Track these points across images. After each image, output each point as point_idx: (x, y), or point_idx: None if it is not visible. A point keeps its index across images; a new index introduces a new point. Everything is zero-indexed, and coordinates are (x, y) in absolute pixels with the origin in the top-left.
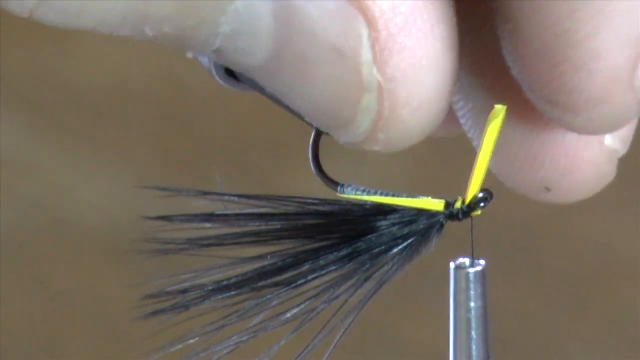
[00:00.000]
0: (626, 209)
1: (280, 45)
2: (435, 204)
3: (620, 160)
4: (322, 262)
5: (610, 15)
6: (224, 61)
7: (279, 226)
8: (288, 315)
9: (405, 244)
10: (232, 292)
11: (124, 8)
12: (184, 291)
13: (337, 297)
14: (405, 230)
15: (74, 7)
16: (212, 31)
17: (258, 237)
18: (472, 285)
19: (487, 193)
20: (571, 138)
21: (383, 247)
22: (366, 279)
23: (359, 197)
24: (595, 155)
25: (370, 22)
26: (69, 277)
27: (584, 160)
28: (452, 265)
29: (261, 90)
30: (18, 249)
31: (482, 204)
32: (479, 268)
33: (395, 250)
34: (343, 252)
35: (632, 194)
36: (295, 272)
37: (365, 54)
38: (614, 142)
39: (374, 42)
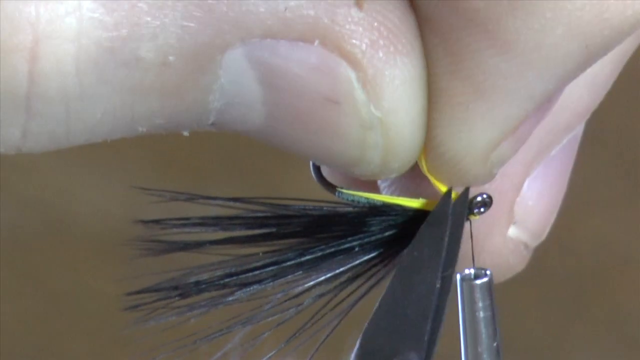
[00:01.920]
0: (626, 209)
1: (273, 107)
2: (433, 205)
3: (617, 161)
4: (317, 262)
5: (486, 95)
6: (223, 131)
7: (273, 229)
8: (282, 315)
9: (401, 244)
10: (226, 290)
11: (108, 119)
12: (180, 292)
13: (334, 296)
14: (402, 230)
15: (60, 132)
16: (204, 110)
17: (251, 240)
18: (479, 297)
19: (487, 197)
20: (473, 228)
21: (380, 247)
22: (365, 280)
23: (358, 193)
24: (498, 247)
25: (355, 64)
26: (68, 277)
27: (484, 250)
28: (457, 276)
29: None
30: (18, 249)
31: (482, 209)
32: (485, 279)
33: (392, 250)
34: (339, 253)
35: (632, 193)
36: (290, 274)
37: (359, 95)
38: (520, 233)
39: (364, 82)
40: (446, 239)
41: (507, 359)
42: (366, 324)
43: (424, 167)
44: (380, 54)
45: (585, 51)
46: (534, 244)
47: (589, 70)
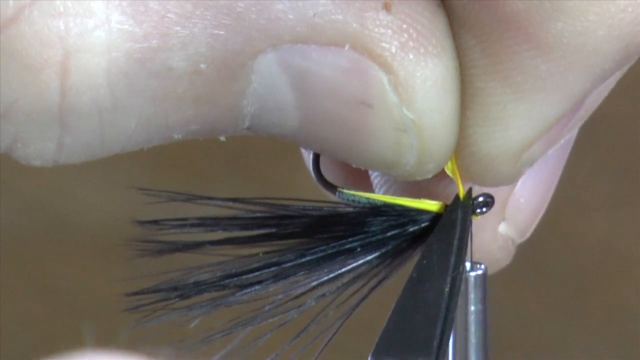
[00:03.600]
0: (626, 209)
1: (307, 111)
2: (434, 206)
3: (617, 162)
4: (318, 262)
5: (525, 95)
6: (259, 134)
7: (274, 230)
8: (283, 316)
9: (403, 245)
10: (226, 291)
11: (143, 129)
12: (180, 293)
13: (336, 296)
14: (403, 231)
15: (95, 143)
16: (238, 115)
17: (251, 241)
18: (472, 289)
19: (489, 197)
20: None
21: (381, 247)
22: (366, 280)
23: (359, 193)
24: (488, 241)
25: (386, 67)
26: (68, 277)
27: (474, 244)
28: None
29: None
30: (18, 249)
31: (484, 209)
32: (479, 272)
33: (393, 251)
34: (340, 254)
35: (632, 194)
36: (290, 275)
37: (392, 98)
38: (509, 230)
39: (395, 84)
40: (455, 243)
41: (506, 359)
42: (378, 336)
43: (449, 167)
44: (411, 56)
45: (625, 51)
46: (520, 240)
47: None
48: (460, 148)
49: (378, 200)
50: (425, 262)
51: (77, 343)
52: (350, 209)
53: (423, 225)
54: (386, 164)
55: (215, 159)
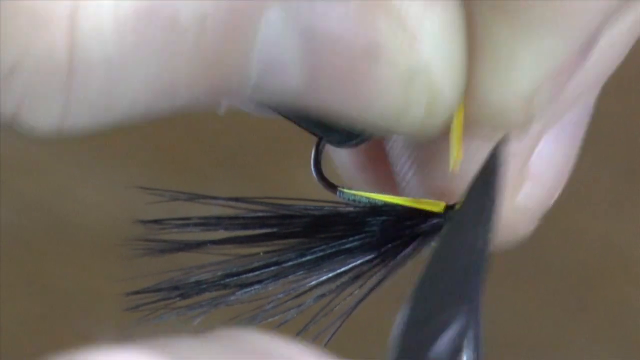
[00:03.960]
0: (627, 205)
1: (313, 66)
2: (436, 206)
3: (619, 160)
4: (318, 262)
5: (533, 30)
6: (263, 100)
7: (274, 229)
8: (283, 315)
9: (402, 245)
10: (227, 290)
11: (148, 88)
12: (181, 292)
13: (336, 295)
14: (403, 231)
15: (100, 104)
16: (244, 72)
17: (252, 240)
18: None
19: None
20: None
21: (381, 248)
22: (365, 280)
23: (359, 193)
24: (506, 212)
25: (392, 15)
26: (68, 277)
27: None
28: None
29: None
30: (18, 249)
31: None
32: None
33: (392, 251)
34: (340, 253)
35: (633, 189)
36: (291, 274)
37: (399, 46)
38: (528, 200)
39: (403, 32)
40: (497, 187)
41: (507, 358)
42: (411, 292)
43: (456, 122)
44: (418, 1)
45: None
46: (539, 211)
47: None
48: (470, 99)
49: (379, 200)
50: (463, 211)
51: (77, 343)
52: (351, 209)
53: (424, 225)
54: (395, 116)
55: (214, 158)
